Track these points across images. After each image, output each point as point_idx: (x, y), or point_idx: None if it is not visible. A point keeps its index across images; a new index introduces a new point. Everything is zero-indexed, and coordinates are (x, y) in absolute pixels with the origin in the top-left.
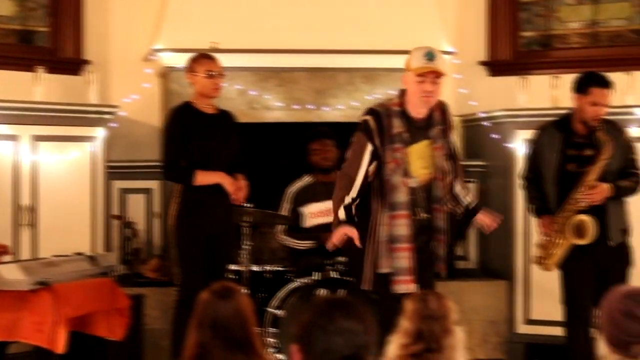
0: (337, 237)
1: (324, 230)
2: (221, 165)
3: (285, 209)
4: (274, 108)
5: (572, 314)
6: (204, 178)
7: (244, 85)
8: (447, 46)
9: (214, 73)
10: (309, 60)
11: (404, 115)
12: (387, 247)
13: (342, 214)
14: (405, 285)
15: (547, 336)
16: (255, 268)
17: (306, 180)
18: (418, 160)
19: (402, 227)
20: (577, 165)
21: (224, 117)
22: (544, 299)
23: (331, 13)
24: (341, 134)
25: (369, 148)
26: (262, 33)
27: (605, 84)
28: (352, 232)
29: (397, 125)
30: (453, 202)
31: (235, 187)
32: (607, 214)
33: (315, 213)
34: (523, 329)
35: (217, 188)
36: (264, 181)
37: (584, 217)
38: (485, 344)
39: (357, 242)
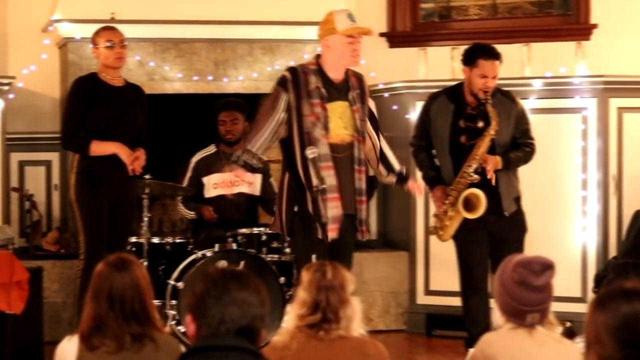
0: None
1: (224, 200)
2: (121, 137)
3: (187, 178)
4: (174, 79)
5: (467, 284)
6: (98, 148)
7: (143, 56)
8: None
9: (114, 43)
10: (208, 31)
11: (322, 74)
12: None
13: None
14: (332, 233)
15: (447, 307)
16: (155, 240)
17: (211, 150)
18: (338, 119)
19: (330, 177)
20: (468, 137)
21: (130, 90)
22: (443, 270)
23: None
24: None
25: (284, 97)
26: (161, 3)
27: (493, 55)
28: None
29: (314, 81)
30: (383, 165)
31: (131, 157)
32: (498, 185)
33: (218, 184)
34: (423, 299)
35: (114, 159)
36: (165, 153)
37: (474, 191)
38: (386, 315)
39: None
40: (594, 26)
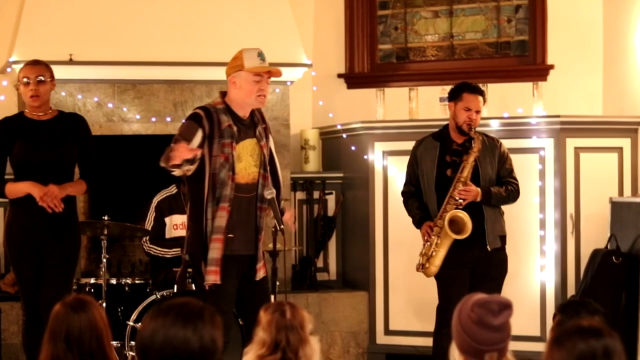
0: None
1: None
2: (46, 173)
3: (150, 218)
4: (132, 121)
5: (441, 318)
6: (12, 189)
7: (101, 97)
8: (305, 58)
9: (29, 79)
10: (167, 72)
11: (230, 112)
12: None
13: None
14: (213, 276)
15: (407, 346)
16: (114, 281)
17: (172, 190)
18: (249, 157)
19: (222, 218)
20: (453, 170)
21: (61, 121)
22: (403, 310)
23: (188, 25)
24: None
25: (199, 133)
26: (120, 45)
27: (477, 90)
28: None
29: (225, 120)
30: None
31: (41, 193)
32: (484, 219)
33: (178, 225)
34: (383, 339)
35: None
36: (124, 194)
37: (458, 213)
38: (345, 355)
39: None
40: (551, 67)
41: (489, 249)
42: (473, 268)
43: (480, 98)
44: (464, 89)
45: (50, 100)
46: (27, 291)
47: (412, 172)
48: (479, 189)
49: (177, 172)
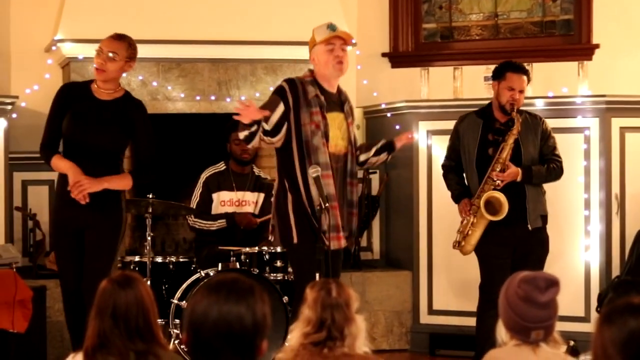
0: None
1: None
2: (85, 156)
3: (197, 193)
4: (177, 99)
5: (485, 298)
6: (56, 163)
7: (145, 76)
8: None
9: (100, 51)
10: (211, 51)
11: (317, 84)
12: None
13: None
14: (337, 242)
15: (450, 326)
16: (158, 259)
17: (220, 167)
18: (337, 130)
19: (330, 186)
20: (495, 149)
21: (117, 106)
22: (446, 289)
23: (233, 4)
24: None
25: (281, 107)
26: (164, 23)
27: (521, 70)
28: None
29: (312, 90)
30: (367, 151)
31: (72, 182)
32: (526, 198)
33: (226, 201)
34: (426, 319)
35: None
36: (167, 172)
37: (494, 194)
38: (389, 335)
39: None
40: (596, 46)
41: (530, 228)
42: (515, 247)
43: (524, 77)
44: (507, 68)
45: (118, 80)
46: (67, 275)
47: (453, 147)
48: (518, 169)
49: (252, 143)
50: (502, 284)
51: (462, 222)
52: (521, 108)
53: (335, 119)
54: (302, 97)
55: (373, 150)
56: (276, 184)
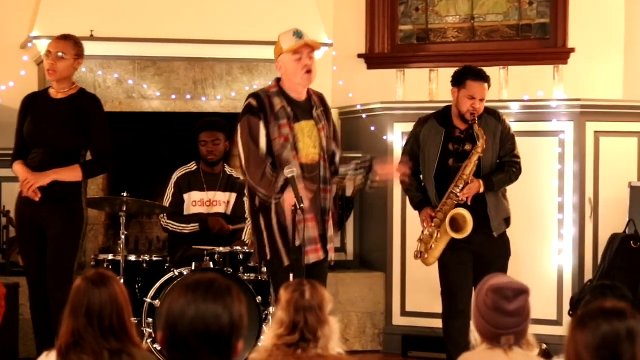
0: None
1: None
2: (46, 154)
3: (169, 194)
4: (152, 97)
5: (450, 307)
6: (14, 169)
7: (121, 74)
8: (325, 38)
9: (49, 53)
10: (187, 50)
11: (284, 94)
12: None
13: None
14: (315, 255)
15: (423, 328)
16: (132, 258)
17: (192, 167)
18: (307, 139)
19: (305, 199)
20: (455, 160)
21: (73, 102)
22: (419, 291)
23: (210, 3)
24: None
25: (262, 124)
26: (140, 21)
27: (482, 77)
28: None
29: (278, 103)
30: (342, 165)
31: (21, 181)
32: (487, 206)
33: (197, 202)
34: (399, 320)
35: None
36: (142, 171)
37: (460, 211)
38: (362, 336)
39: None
40: (572, 50)
41: (495, 235)
42: (476, 254)
43: (485, 85)
44: (468, 75)
45: (71, 78)
46: (31, 271)
47: (413, 152)
48: (480, 182)
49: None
50: (463, 290)
51: (423, 232)
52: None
53: (304, 128)
54: (270, 111)
55: (353, 164)
56: (248, 201)
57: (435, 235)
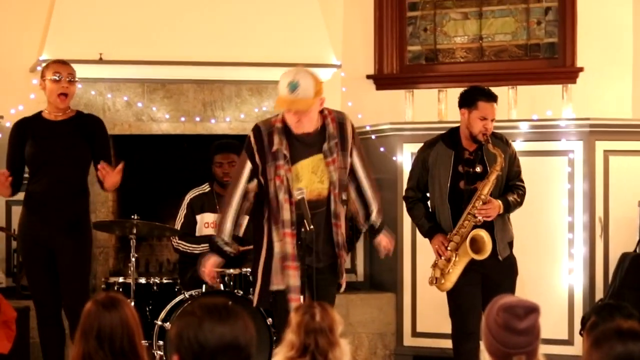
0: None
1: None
2: (60, 174)
3: (181, 215)
4: (161, 120)
5: (460, 329)
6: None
7: (130, 97)
8: (334, 59)
9: (60, 76)
10: (196, 72)
11: (286, 131)
12: (280, 264)
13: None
14: (295, 304)
15: (434, 348)
16: (142, 280)
17: (205, 188)
18: (312, 175)
19: (289, 245)
20: (467, 182)
21: (73, 122)
22: (430, 311)
23: (218, 25)
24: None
25: (248, 166)
26: (150, 44)
27: (492, 97)
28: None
29: (277, 142)
30: (362, 209)
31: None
32: (494, 229)
33: (209, 223)
34: (410, 341)
35: (54, 201)
36: (152, 193)
37: (479, 232)
38: (372, 357)
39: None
40: (580, 69)
41: (500, 259)
42: (484, 276)
43: (495, 105)
44: (478, 96)
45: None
46: (38, 292)
47: (421, 177)
48: (500, 203)
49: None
50: (473, 311)
51: (437, 258)
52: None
53: (308, 165)
54: (268, 150)
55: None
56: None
57: (454, 259)
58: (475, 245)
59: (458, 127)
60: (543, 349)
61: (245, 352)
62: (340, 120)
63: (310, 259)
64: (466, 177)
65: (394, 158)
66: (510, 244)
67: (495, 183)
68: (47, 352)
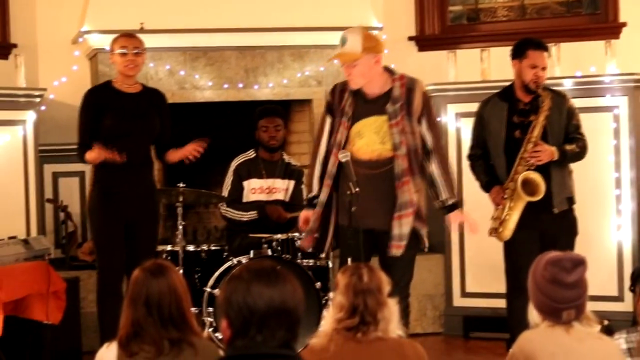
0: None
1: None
2: (135, 143)
3: (227, 182)
4: (204, 88)
5: (513, 285)
6: (90, 155)
7: (172, 65)
8: (375, 22)
9: (126, 50)
10: (237, 39)
11: (356, 91)
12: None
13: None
14: (306, 243)
15: (484, 308)
16: (190, 248)
17: (250, 155)
18: (374, 135)
19: (323, 194)
20: (521, 131)
21: (145, 95)
22: (479, 272)
23: None
24: None
25: (328, 121)
26: (190, 13)
27: (542, 46)
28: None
29: (345, 99)
30: (430, 186)
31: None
32: (550, 181)
33: (256, 189)
34: (459, 302)
35: (130, 172)
36: (198, 161)
37: (530, 174)
38: (422, 318)
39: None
40: (623, 24)
41: (555, 211)
42: (542, 232)
43: (545, 54)
44: (528, 45)
45: None
46: (110, 260)
47: (479, 135)
48: (554, 148)
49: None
50: (526, 268)
51: (496, 209)
52: (545, 85)
53: (371, 124)
54: (338, 106)
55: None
56: None
57: (508, 204)
58: (529, 188)
59: (513, 83)
60: (592, 306)
61: (294, 315)
62: (409, 85)
63: (355, 221)
64: (521, 127)
65: (438, 119)
66: (570, 200)
67: (544, 125)
68: (104, 322)
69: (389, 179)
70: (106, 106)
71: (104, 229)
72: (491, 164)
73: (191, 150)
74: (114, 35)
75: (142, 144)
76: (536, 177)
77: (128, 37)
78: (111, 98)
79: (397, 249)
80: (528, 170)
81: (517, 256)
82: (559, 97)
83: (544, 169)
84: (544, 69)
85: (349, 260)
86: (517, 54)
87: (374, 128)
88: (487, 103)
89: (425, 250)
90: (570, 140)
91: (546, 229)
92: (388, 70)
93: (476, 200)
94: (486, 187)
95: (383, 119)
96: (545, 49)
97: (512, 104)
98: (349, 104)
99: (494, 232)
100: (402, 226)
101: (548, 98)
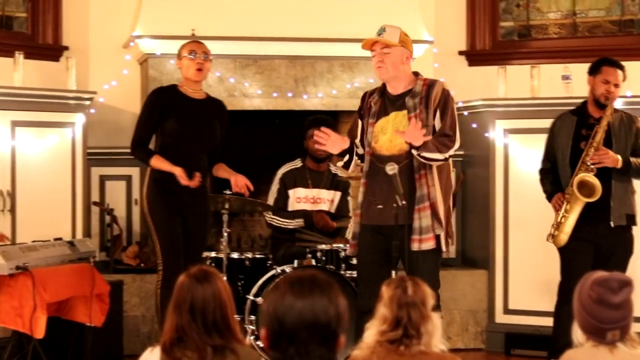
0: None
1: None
2: (195, 150)
3: (274, 190)
4: (253, 96)
5: (564, 293)
6: (158, 163)
7: (222, 72)
8: (426, 35)
9: (196, 53)
10: (288, 48)
11: (383, 91)
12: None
13: None
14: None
15: (526, 326)
16: (235, 255)
17: (297, 164)
18: (394, 129)
19: (361, 194)
20: (587, 143)
21: (210, 104)
22: (522, 288)
23: (310, 1)
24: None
25: (359, 124)
26: (242, 20)
27: (616, 64)
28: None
29: (372, 100)
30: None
31: (183, 175)
32: (611, 194)
33: (301, 198)
34: (502, 318)
35: (186, 168)
36: (243, 169)
37: (586, 176)
38: (464, 334)
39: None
40: None
41: (612, 224)
42: (598, 246)
43: (620, 72)
44: (603, 62)
45: None
46: (171, 254)
47: (549, 148)
48: (617, 155)
49: (350, 171)
50: (578, 279)
51: (557, 211)
52: (617, 108)
53: (392, 120)
54: (366, 109)
55: None
56: None
57: (565, 206)
58: (585, 190)
59: (586, 99)
60: (638, 328)
61: (327, 330)
62: (430, 83)
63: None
64: (587, 139)
65: (486, 134)
66: (630, 218)
67: (606, 129)
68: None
69: (410, 172)
70: (171, 108)
71: (167, 225)
72: (558, 178)
73: (242, 185)
74: (164, 41)
75: (202, 150)
76: (592, 179)
77: (197, 42)
78: (177, 101)
79: (418, 243)
80: (587, 173)
81: (569, 265)
82: (630, 118)
83: (605, 181)
84: (616, 85)
85: (393, 273)
86: (593, 70)
87: (394, 123)
88: (559, 117)
89: (446, 254)
90: (635, 155)
91: (602, 242)
92: (415, 74)
93: (523, 216)
94: (549, 197)
95: (403, 113)
96: (620, 67)
97: (582, 118)
98: (375, 101)
99: (551, 237)
100: (422, 219)
101: (611, 106)
